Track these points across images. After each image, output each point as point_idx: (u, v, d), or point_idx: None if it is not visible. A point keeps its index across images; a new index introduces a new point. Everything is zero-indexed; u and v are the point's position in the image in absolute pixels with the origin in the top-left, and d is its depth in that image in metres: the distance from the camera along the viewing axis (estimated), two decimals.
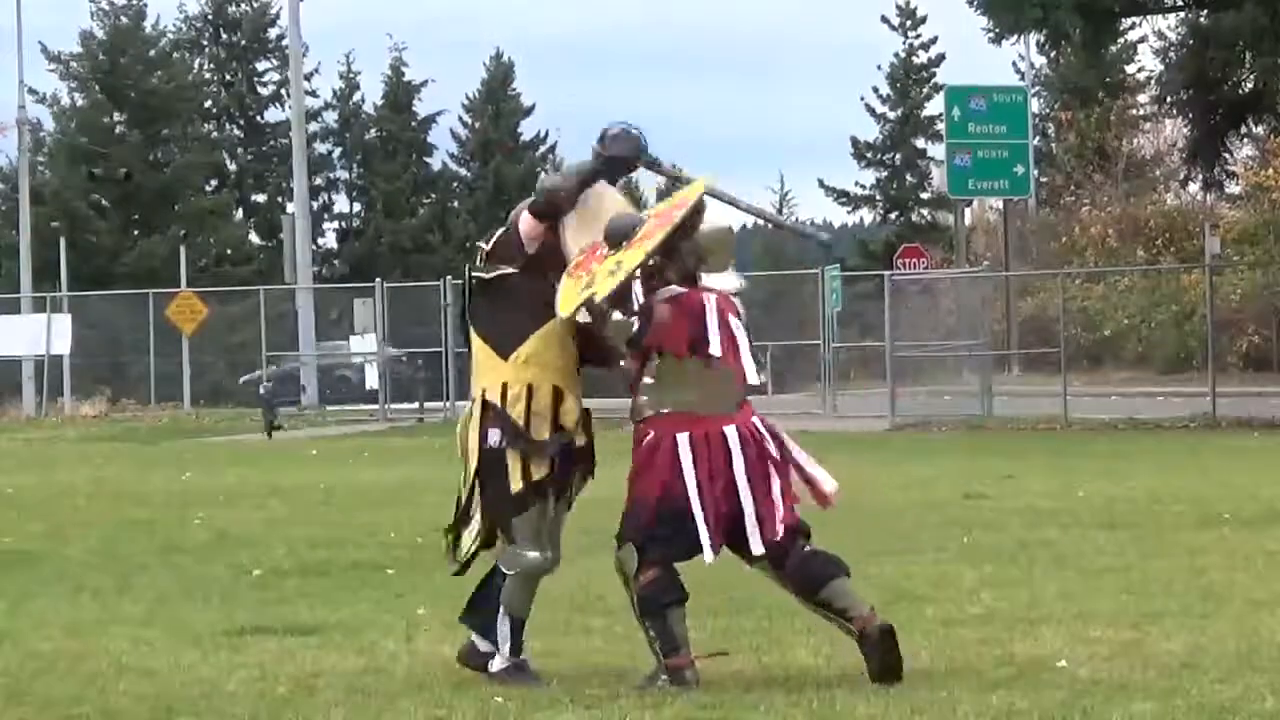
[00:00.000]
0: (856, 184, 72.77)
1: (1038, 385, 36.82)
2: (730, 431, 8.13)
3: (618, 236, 8.26)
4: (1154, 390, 37.39)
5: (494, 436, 8.13)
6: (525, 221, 8.30)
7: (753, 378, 8.17)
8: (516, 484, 8.09)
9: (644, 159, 8.47)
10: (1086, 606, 10.18)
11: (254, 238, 70.05)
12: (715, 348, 8.09)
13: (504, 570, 8.21)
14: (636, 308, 8.20)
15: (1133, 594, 10.64)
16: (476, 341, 8.27)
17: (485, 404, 8.17)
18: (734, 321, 8.19)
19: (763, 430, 8.24)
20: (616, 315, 8.14)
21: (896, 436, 29.18)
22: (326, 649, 9.34)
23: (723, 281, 8.29)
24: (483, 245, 8.43)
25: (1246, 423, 28.92)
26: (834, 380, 36.01)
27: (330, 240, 72.55)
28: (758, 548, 8.12)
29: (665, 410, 8.15)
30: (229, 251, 66.35)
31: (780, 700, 7.77)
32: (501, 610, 8.16)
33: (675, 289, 8.20)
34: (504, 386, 8.14)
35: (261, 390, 34.50)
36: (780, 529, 8.16)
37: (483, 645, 8.27)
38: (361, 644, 9.41)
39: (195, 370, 41.72)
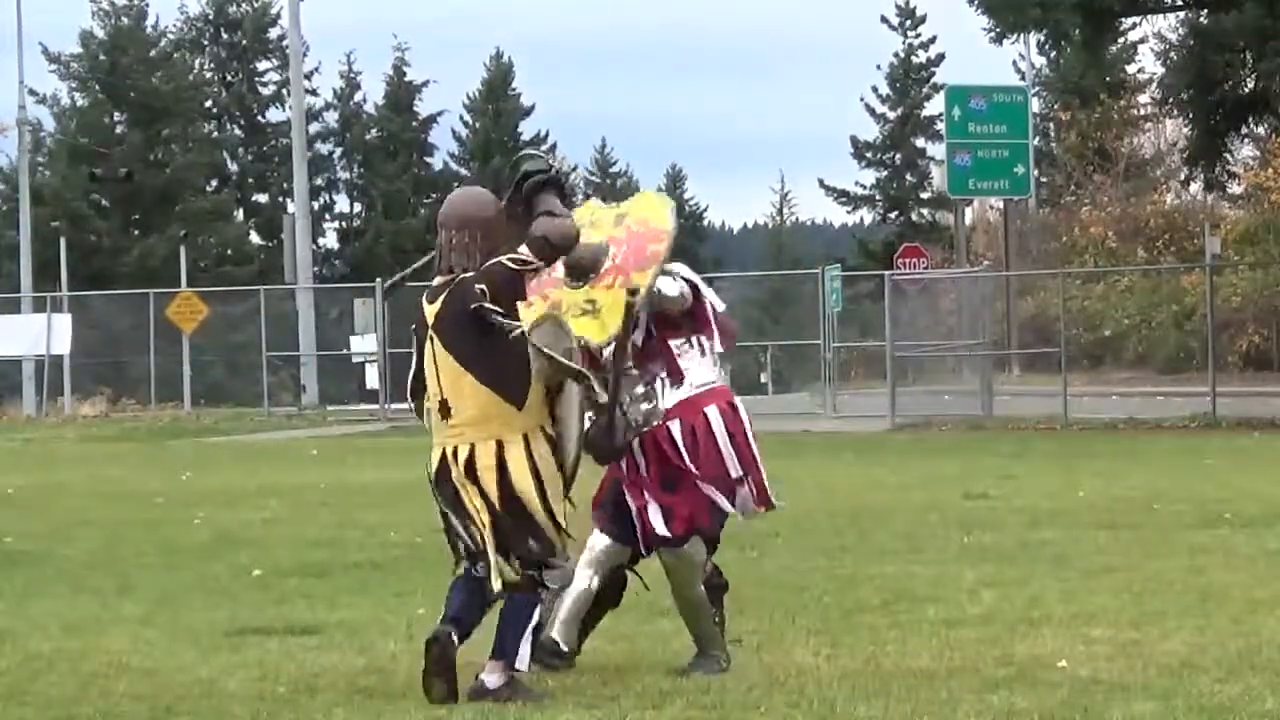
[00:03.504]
0: (856, 184, 72.91)
1: (1038, 385, 36.80)
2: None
3: (584, 268, 8.39)
4: (1154, 390, 37.35)
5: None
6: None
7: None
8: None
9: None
10: (1086, 606, 10.18)
11: (254, 238, 70.14)
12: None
13: (555, 586, 8.12)
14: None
15: (1133, 594, 10.64)
16: (485, 392, 7.85)
17: (506, 451, 7.88)
18: None
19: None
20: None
21: (896, 436, 29.16)
22: (326, 649, 9.34)
23: None
24: (472, 278, 7.95)
25: (1246, 423, 28.90)
26: (834, 380, 36.00)
27: (331, 240, 72.69)
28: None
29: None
30: (229, 251, 66.43)
31: (780, 700, 7.77)
32: (534, 627, 7.99)
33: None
34: (525, 439, 7.90)
35: None
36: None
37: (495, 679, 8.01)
38: (361, 644, 9.41)
39: (195, 370, 41.72)
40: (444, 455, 7.99)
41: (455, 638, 7.90)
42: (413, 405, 8.30)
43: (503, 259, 7.94)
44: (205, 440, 31.48)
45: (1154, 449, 24.24)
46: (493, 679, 7.91)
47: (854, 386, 38.77)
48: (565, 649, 8.48)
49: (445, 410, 7.95)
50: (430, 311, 8.03)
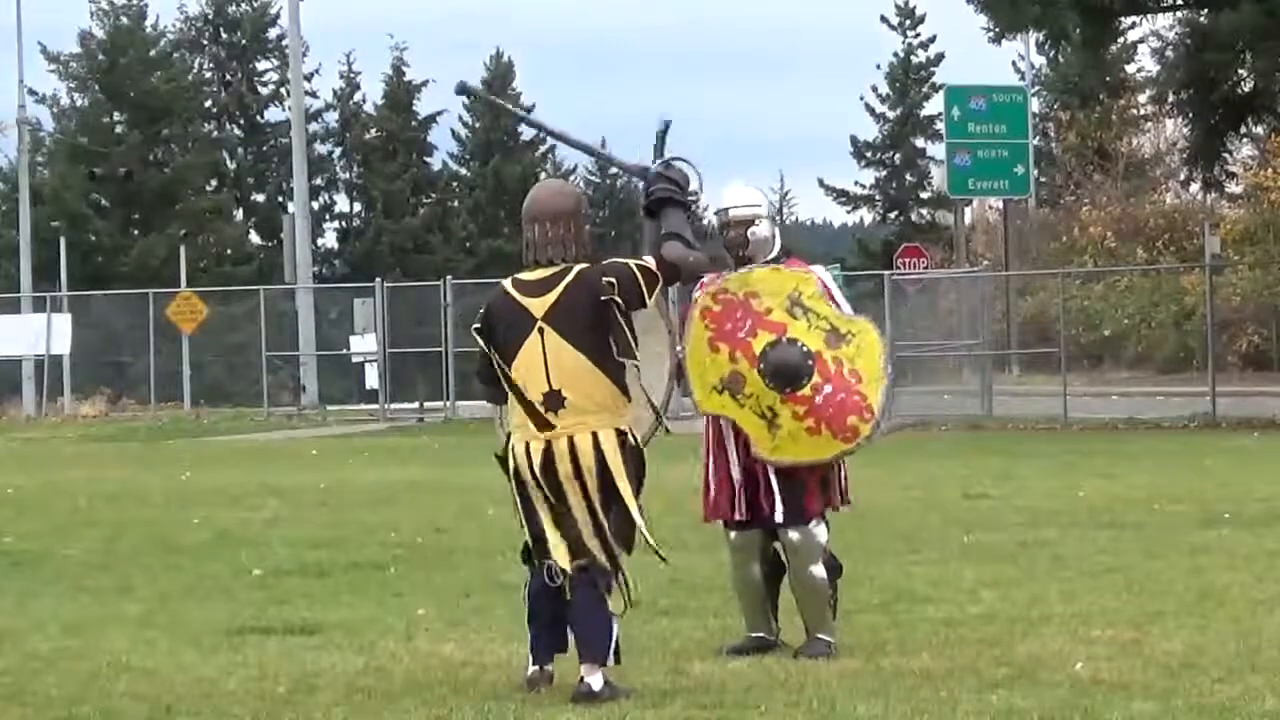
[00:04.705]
0: (856, 184, 72.83)
1: (1038, 385, 36.80)
2: None
3: (784, 375, 8.67)
4: (1154, 390, 37.35)
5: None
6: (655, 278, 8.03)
7: None
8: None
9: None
10: (1086, 606, 10.18)
11: (254, 238, 70.11)
12: None
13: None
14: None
15: (1133, 594, 10.64)
16: (606, 381, 7.91)
17: (625, 439, 7.96)
18: None
19: None
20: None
21: (897, 436, 29.15)
22: (326, 649, 9.33)
23: None
24: (596, 270, 7.98)
25: (1246, 423, 28.90)
26: None
27: (330, 240, 72.60)
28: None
29: None
30: (229, 251, 66.39)
31: (780, 700, 7.77)
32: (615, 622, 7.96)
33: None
34: (631, 430, 8.01)
35: None
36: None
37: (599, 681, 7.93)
38: (361, 644, 9.41)
39: (195, 370, 41.72)
40: (549, 447, 7.92)
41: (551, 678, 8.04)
42: (485, 392, 8.22)
43: (630, 261, 8.03)
44: (205, 440, 31.47)
45: (1154, 449, 24.22)
46: (597, 681, 7.86)
47: None
48: (772, 637, 8.95)
49: (556, 401, 7.91)
50: (540, 303, 7.94)
